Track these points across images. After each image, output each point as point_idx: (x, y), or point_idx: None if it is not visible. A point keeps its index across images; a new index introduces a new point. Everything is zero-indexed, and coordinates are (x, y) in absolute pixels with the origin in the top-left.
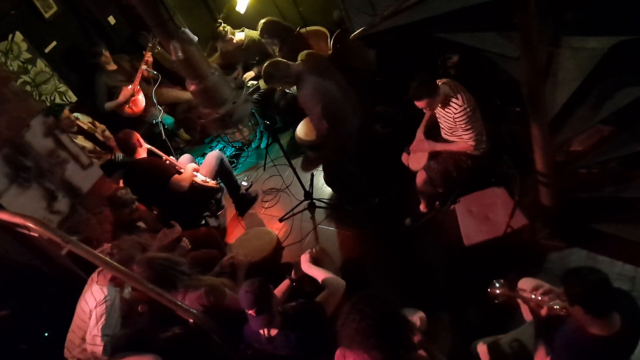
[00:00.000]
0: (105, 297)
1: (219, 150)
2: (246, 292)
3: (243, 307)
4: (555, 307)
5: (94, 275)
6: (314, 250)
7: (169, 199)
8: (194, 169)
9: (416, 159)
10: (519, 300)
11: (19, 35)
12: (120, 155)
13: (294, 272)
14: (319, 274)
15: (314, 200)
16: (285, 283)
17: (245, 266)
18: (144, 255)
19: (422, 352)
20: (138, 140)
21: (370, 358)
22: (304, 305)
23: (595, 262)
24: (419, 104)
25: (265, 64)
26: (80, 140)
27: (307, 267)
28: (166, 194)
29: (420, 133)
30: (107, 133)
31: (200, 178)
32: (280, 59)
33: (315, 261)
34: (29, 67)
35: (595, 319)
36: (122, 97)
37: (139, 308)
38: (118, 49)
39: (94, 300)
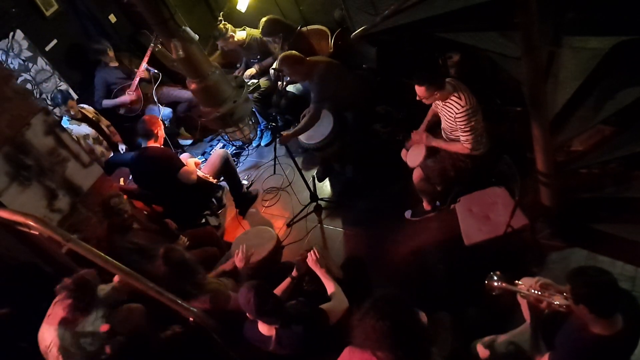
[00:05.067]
0: (50, 343)
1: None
2: (248, 302)
3: (247, 313)
4: (555, 303)
5: (50, 308)
6: (314, 250)
7: (173, 190)
8: (196, 163)
9: (413, 156)
10: (519, 297)
11: (19, 34)
12: (124, 147)
13: (295, 270)
14: (330, 285)
15: (320, 202)
16: (287, 282)
17: (252, 268)
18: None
19: None
20: (158, 133)
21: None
22: (309, 307)
23: (595, 262)
24: (420, 92)
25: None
26: (85, 127)
27: (321, 273)
28: (172, 185)
29: (422, 128)
30: (112, 129)
31: (200, 173)
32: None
33: (327, 268)
34: (30, 65)
35: (599, 319)
36: (121, 100)
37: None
38: (119, 47)
39: (45, 340)
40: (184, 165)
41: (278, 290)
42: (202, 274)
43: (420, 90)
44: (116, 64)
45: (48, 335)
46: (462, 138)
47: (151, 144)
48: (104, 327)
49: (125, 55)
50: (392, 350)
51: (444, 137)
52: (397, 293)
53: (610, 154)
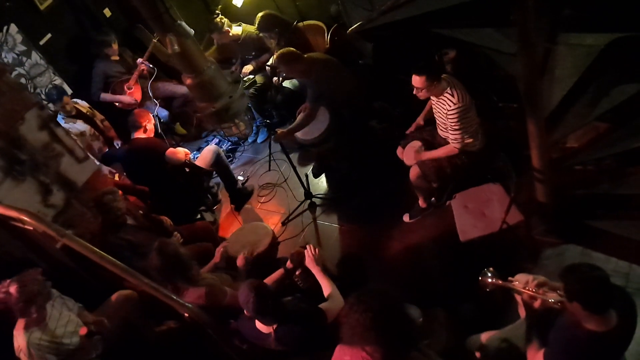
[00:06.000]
0: (18, 347)
1: (216, 145)
2: (247, 301)
3: (247, 313)
4: (550, 300)
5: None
6: (310, 247)
7: (165, 180)
8: (185, 153)
9: (410, 153)
10: (515, 294)
11: (13, 27)
12: (119, 143)
13: (289, 262)
14: (326, 283)
15: (314, 200)
16: (279, 272)
17: (249, 263)
18: (163, 241)
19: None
20: (146, 126)
21: (369, 355)
22: (307, 304)
23: (590, 259)
24: (418, 81)
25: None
26: (80, 124)
27: (317, 272)
28: (162, 174)
29: (419, 121)
30: (107, 123)
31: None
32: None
33: (323, 267)
34: (24, 59)
35: (592, 315)
36: (121, 99)
37: None
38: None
39: (15, 344)
40: (168, 147)
41: (270, 280)
42: (195, 269)
43: (419, 80)
44: (117, 58)
45: (16, 340)
46: (450, 137)
47: (139, 134)
48: (83, 330)
49: (127, 52)
50: (378, 343)
51: (440, 132)
52: (382, 287)
53: (605, 151)
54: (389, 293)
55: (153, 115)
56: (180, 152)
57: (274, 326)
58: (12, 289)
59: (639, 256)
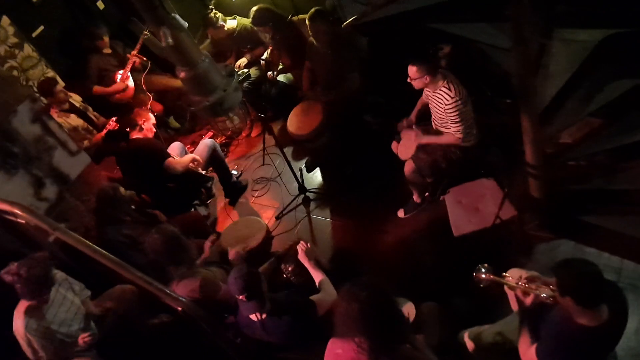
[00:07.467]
0: (16, 330)
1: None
2: (236, 278)
3: (233, 293)
4: (542, 295)
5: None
6: (306, 245)
7: (160, 181)
8: (194, 159)
9: (405, 148)
10: (506, 289)
11: (5, 19)
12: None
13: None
14: (318, 275)
15: (308, 194)
16: (270, 263)
17: (242, 258)
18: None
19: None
20: (142, 125)
21: (358, 347)
22: (297, 297)
23: (582, 254)
24: (412, 72)
25: None
26: (73, 118)
27: (309, 266)
28: (159, 176)
29: (412, 117)
30: (98, 114)
31: (191, 164)
32: None
33: (316, 261)
34: (16, 51)
35: (584, 310)
36: (112, 89)
37: None
38: (110, 35)
39: (14, 328)
40: (169, 156)
41: (262, 269)
42: (192, 258)
43: (411, 70)
44: (109, 51)
45: (15, 321)
46: (452, 128)
47: (135, 134)
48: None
49: (119, 44)
50: (365, 334)
51: (434, 127)
52: (372, 279)
53: (599, 147)
54: (378, 285)
55: None
56: (179, 164)
57: (262, 315)
58: (22, 271)
59: (631, 251)
